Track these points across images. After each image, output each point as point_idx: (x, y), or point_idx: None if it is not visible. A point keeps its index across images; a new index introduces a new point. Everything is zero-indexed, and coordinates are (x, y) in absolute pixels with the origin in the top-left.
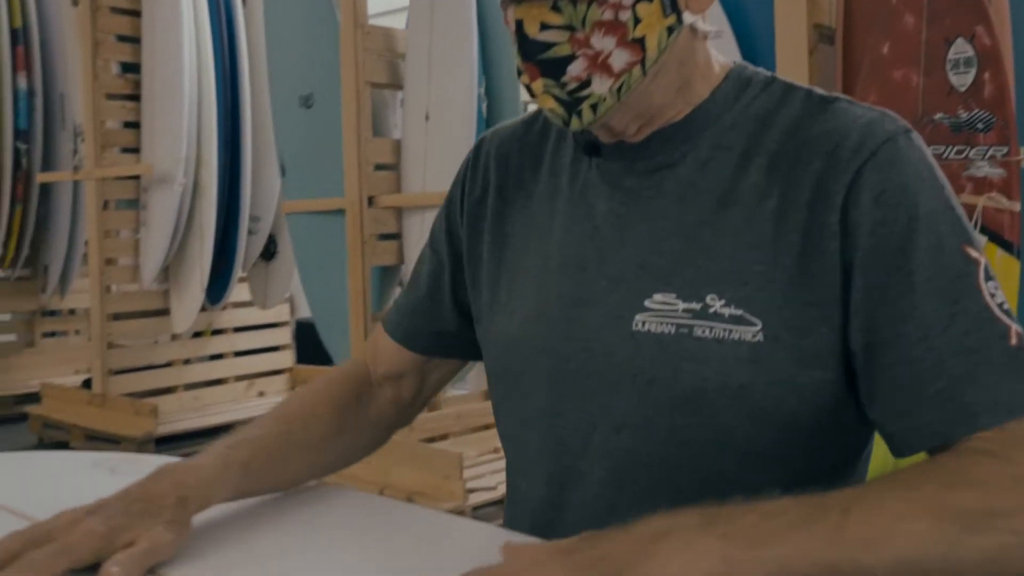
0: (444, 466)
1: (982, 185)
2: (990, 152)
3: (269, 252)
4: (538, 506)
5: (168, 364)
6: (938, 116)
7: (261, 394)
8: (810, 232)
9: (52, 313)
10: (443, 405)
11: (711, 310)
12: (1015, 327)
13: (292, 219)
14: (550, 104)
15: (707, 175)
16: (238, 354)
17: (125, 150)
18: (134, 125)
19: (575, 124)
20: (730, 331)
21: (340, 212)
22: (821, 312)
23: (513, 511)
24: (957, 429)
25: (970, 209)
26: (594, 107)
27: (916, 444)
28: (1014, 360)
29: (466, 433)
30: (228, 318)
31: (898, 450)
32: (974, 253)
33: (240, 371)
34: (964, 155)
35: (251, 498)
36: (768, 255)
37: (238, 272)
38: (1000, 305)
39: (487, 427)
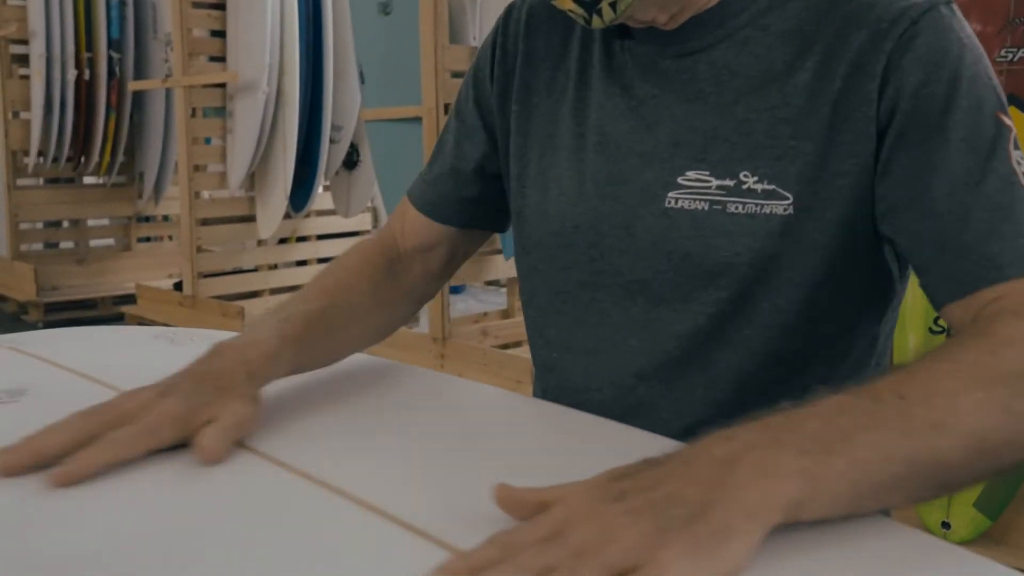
0: (516, 371)
1: None
2: None
3: (351, 161)
4: (572, 378)
5: (255, 269)
6: None
7: None
8: (843, 103)
9: (147, 219)
10: (516, 313)
11: (744, 186)
12: None
13: (371, 127)
14: (568, 5)
15: (743, 57)
16: (321, 260)
17: (212, 58)
18: (220, 34)
19: (596, 23)
20: (762, 206)
21: (417, 120)
22: (850, 182)
23: (543, 384)
24: (982, 279)
25: None
26: (613, 5)
27: (944, 296)
28: None
29: None
30: (312, 225)
31: (934, 304)
32: (1008, 120)
33: None
34: None
35: (303, 373)
36: (801, 129)
37: (320, 180)
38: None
39: None
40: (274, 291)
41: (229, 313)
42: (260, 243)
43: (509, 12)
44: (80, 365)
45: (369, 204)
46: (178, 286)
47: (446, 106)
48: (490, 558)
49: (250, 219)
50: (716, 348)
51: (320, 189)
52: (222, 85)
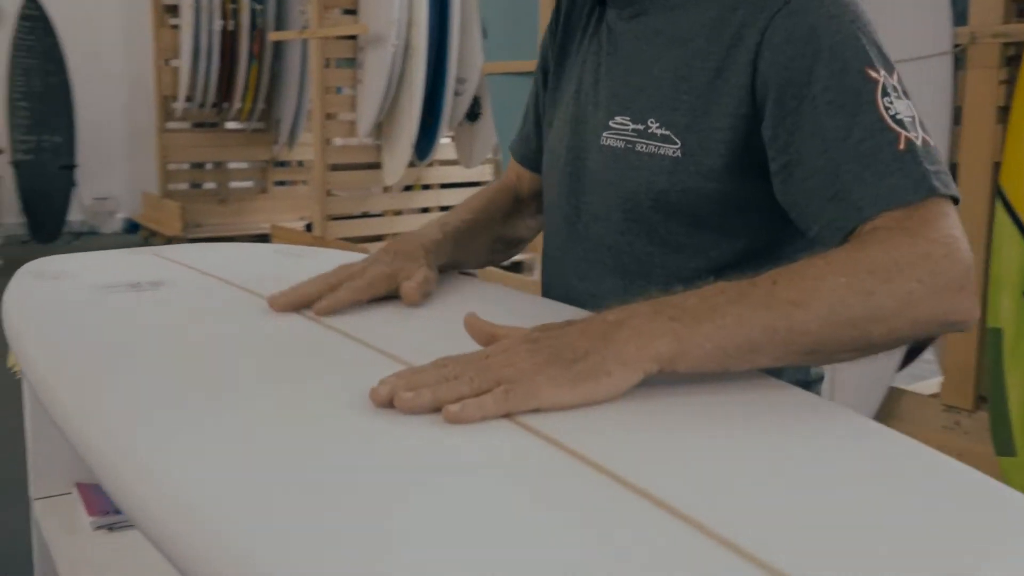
0: None
1: None
2: None
3: (474, 113)
4: (552, 271)
5: (380, 214)
6: None
7: None
8: (724, 69)
9: (282, 164)
10: None
11: (649, 130)
12: (906, 134)
13: (492, 80)
14: None
15: (668, 20)
16: (443, 208)
17: (345, 11)
18: None
19: None
20: (659, 147)
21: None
22: (726, 136)
23: (545, 279)
24: (848, 221)
25: None
26: None
27: (827, 242)
28: (898, 160)
29: None
30: (435, 174)
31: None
32: (874, 74)
33: None
34: None
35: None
36: (691, 86)
37: (444, 130)
38: (894, 116)
39: None
40: (396, 236)
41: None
42: (386, 189)
43: None
44: (207, 267)
45: (490, 156)
46: (309, 227)
47: None
48: (425, 367)
49: (377, 166)
50: (631, 262)
51: (444, 139)
52: (354, 37)
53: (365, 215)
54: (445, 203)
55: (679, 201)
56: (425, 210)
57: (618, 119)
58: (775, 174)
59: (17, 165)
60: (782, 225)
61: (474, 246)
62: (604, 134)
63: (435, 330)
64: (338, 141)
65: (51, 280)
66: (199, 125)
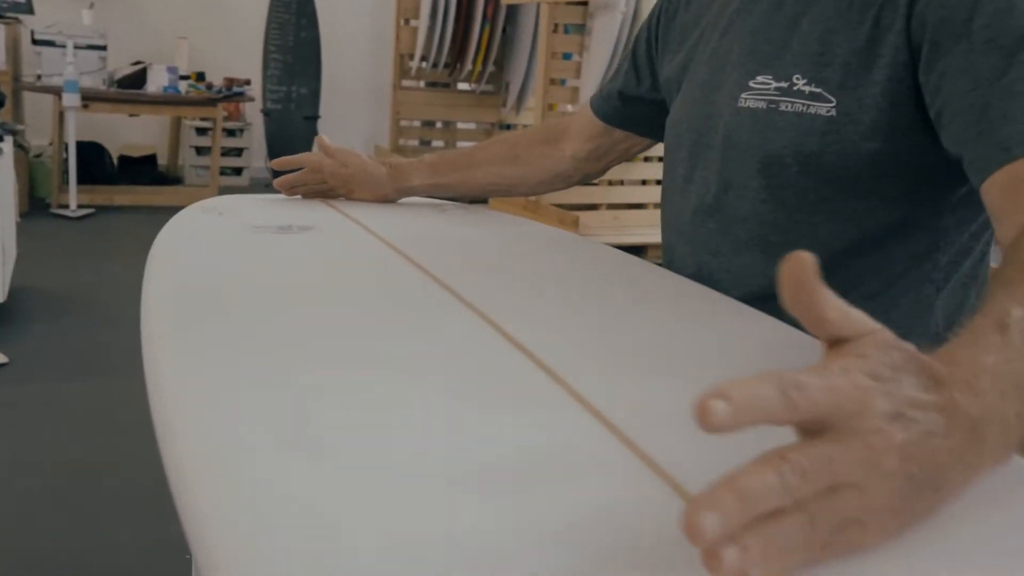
0: None
1: None
2: None
3: None
4: (679, 248)
5: (595, 183)
6: None
7: None
8: (882, 17)
9: (507, 127)
10: None
11: (795, 88)
12: None
13: None
14: None
15: None
16: (659, 182)
17: None
18: None
19: None
20: (808, 106)
21: None
22: (884, 89)
23: (668, 257)
24: (991, 162)
25: None
26: None
27: (975, 182)
28: None
29: None
30: (659, 147)
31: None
32: None
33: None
34: None
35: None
36: (845, 39)
37: None
38: None
39: None
40: (611, 206)
41: (565, 221)
42: None
43: None
44: (360, 217)
45: None
46: None
47: None
48: (758, 471)
49: None
50: (772, 233)
51: None
52: (585, 2)
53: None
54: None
55: (833, 164)
56: (643, 182)
57: (759, 78)
58: (935, 124)
59: (267, 114)
60: (944, 191)
61: (457, 178)
62: (742, 95)
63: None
64: (567, 107)
65: (215, 215)
66: (432, 85)
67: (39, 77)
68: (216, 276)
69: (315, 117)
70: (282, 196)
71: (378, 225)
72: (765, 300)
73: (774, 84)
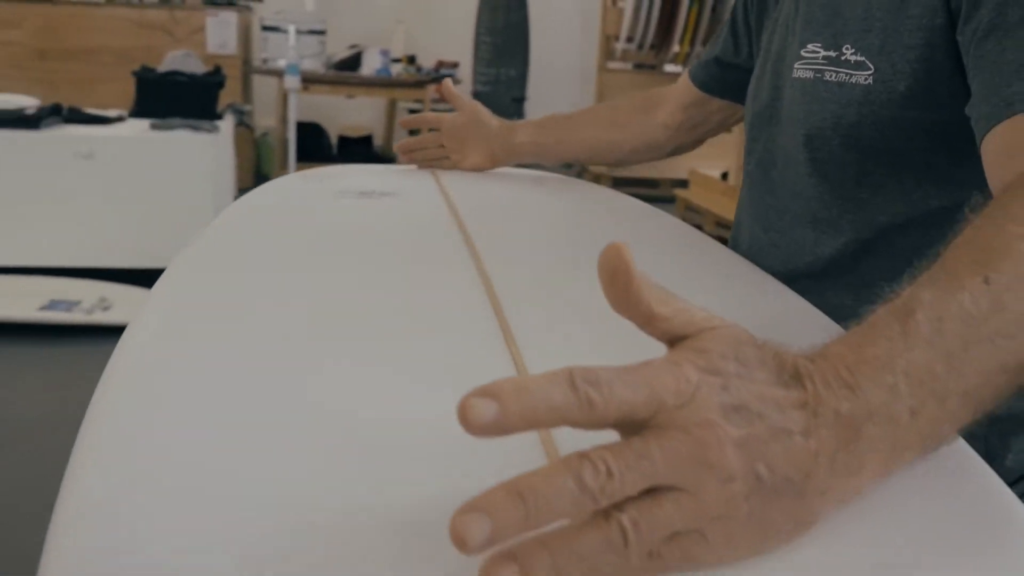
0: None
1: None
2: None
3: None
4: (742, 220)
5: None
6: None
7: None
8: None
9: None
10: None
11: (842, 57)
12: None
13: None
14: None
15: None
16: None
17: None
18: None
19: None
20: (850, 75)
21: None
22: (919, 55)
23: (734, 232)
24: (991, 120)
25: None
26: None
27: (979, 135)
28: None
29: None
30: None
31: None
32: None
33: None
34: None
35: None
36: (883, 3)
37: None
38: None
39: None
40: None
41: None
42: None
43: None
44: (449, 183)
45: None
46: (724, 176)
47: None
48: (559, 468)
49: None
50: (819, 209)
51: None
52: None
53: None
54: None
55: (871, 136)
56: None
57: (810, 47)
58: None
59: (476, 95)
60: None
61: (560, 134)
62: (796, 65)
63: None
64: None
65: (312, 182)
66: (638, 67)
67: (265, 61)
68: (253, 234)
69: (522, 99)
70: (398, 168)
71: (460, 192)
72: (812, 277)
73: (822, 53)
